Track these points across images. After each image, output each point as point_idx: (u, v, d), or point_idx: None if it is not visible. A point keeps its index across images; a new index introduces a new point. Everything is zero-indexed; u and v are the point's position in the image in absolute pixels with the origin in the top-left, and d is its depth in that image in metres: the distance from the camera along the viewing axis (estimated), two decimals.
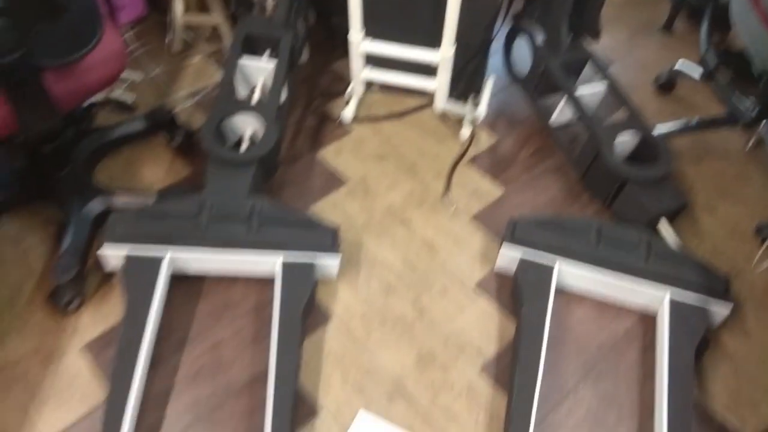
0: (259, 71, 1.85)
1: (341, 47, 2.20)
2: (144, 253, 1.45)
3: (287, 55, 1.81)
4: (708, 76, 1.87)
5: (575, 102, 1.83)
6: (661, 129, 1.94)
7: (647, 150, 1.77)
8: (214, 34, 2.28)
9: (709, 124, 1.99)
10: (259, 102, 1.72)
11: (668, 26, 2.48)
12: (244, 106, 1.69)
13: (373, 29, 1.69)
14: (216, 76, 2.15)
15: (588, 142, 1.79)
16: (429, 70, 1.73)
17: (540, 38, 1.92)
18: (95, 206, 1.58)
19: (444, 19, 1.47)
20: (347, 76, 2.19)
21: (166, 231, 1.48)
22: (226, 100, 1.72)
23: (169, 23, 2.21)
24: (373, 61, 1.81)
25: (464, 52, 1.89)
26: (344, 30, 2.20)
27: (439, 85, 1.58)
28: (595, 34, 1.94)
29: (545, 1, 1.87)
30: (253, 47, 1.88)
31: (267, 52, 1.89)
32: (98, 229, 1.56)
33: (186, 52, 2.24)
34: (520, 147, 1.99)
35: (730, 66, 1.85)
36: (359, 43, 1.53)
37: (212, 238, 1.48)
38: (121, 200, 1.61)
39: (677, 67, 2.16)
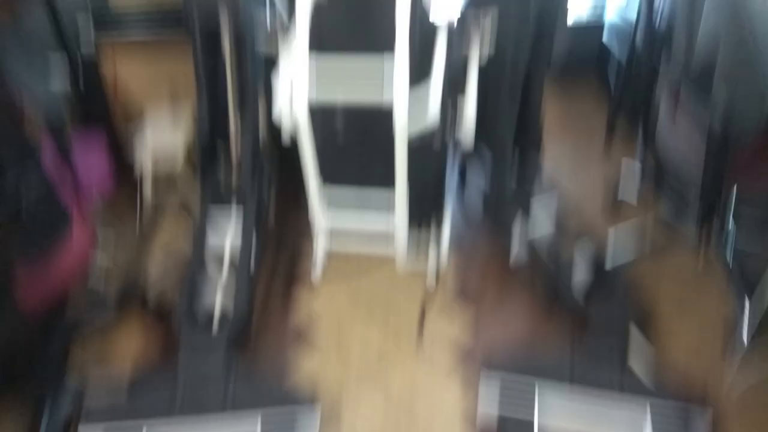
0: (227, 219, 1.94)
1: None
2: (120, 430, 1.43)
3: (253, 220, 1.90)
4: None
5: (532, 225, 1.93)
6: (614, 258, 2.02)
7: (603, 278, 1.86)
8: (184, 209, 2.38)
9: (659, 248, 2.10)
10: (229, 274, 1.79)
11: (609, 134, 2.62)
12: (213, 283, 1.76)
13: (330, 176, 1.81)
14: (185, 251, 2.21)
15: (548, 280, 1.88)
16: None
17: (489, 162, 2.06)
18: (69, 393, 1.59)
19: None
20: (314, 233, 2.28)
21: (141, 406, 1.47)
22: (195, 279, 1.78)
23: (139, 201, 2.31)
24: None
25: (419, 190, 2.00)
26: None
27: (398, 249, 1.68)
28: (537, 147, 2.08)
29: (491, 126, 2.00)
30: (219, 200, 1.99)
31: (233, 207, 1.98)
32: (73, 412, 1.54)
33: (154, 229, 2.32)
34: (485, 281, 2.04)
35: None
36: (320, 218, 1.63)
37: (188, 408, 1.48)
38: (95, 382, 1.61)
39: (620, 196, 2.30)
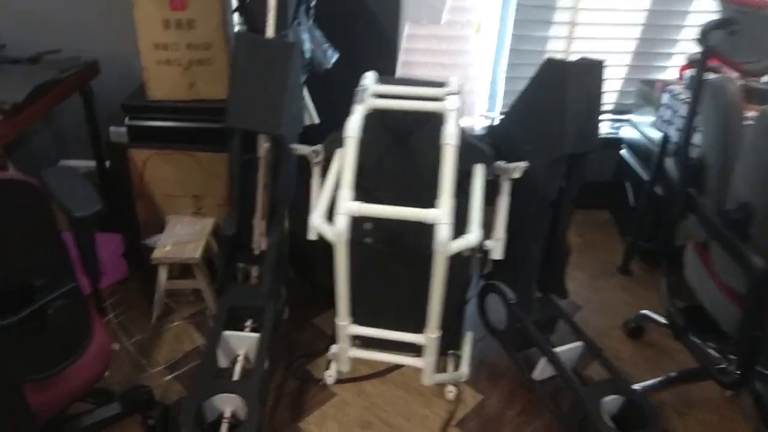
0: (241, 343, 1.86)
1: (323, 300, 2.27)
2: None
3: (270, 329, 1.83)
4: (677, 335, 1.95)
5: (555, 363, 1.87)
6: (643, 385, 1.98)
7: (633, 410, 1.78)
8: (197, 296, 2.32)
9: (689, 377, 2.03)
10: (241, 380, 1.71)
11: (625, 268, 2.65)
12: (225, 386, 1.67)
13: (359, 314, 1.77)
14: (196, 340, 2.15)
15: (574, 406, 1.80)
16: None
17: (511, 296, 2.03)
18: None
19: (425, 301, 1.56)
20: (328, 330, 2.22)
21: None
22: (206, 381, 1.69)
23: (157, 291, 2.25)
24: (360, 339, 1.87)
25: (443, 315, 1.97)
26: (325, 283, 2.29)
27: (426, 364, 1.61)
28: (562, 293, 2.05)
29: (514, 264, 2.00)
30: (235, 317, 1.92)
31: (249, 322, 1.92)
32: None
33: (166, 317, 2.26)
34: (506, 405, 1.98)
35: (698, 324, 1.95)
36: (346, 326, 1.58)
37: None
38: None
39: (645, 312, 2.27)
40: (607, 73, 1.74)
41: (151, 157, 2.23)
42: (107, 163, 2.60)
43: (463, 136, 1.64)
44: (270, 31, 1.74)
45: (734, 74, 2.09)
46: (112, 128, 2.23)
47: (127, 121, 2.18)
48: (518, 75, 2.82)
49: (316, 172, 1.91)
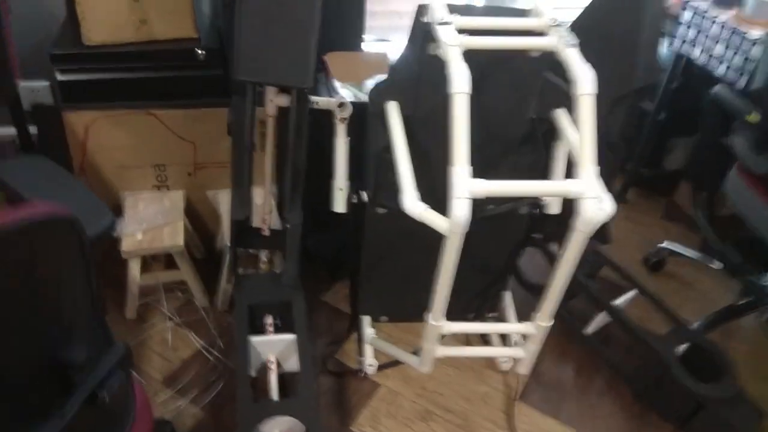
0: (272, 347, 1.51)
1: (321, 272, 1.96)
2: None
3: (305, 328, 1.50)
4: (733, 272, 1.87)
5: (617, 317, 1.73)
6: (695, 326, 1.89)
7: (699, 354, 1.69)
8: (179, 287, 1.89)
9: (734, 314, 1.98)
10: (293, 399, 1.39)
11: (622, 196, 2.55)
12: (275, 408, 1.34)
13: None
14: (191, 343, 1.75)
15: (647, 360, 1.67)
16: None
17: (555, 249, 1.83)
18: None
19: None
20: (344, 309, 1.91)
21: None
22: (250, 406, 1.35)
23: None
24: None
25: (488, 275, 1.74)
26: (320, 252, 1.95)
27: (529, 354, 1.38)
28: (606, 239, 1.89)
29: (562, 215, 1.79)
30: (252, 314, 1.56)
31: (270, 319, 1.57)
32: None
33: (147, 320, 1.82)
34: (562, 366, 1.82)
35: (743, 252, 1.87)
36: (440, 326, 1.28)
37: None
38: None
39: (665, 245, 2.18)
40: None
41: (96, 121, 1.70)
42: (33, 131, 1.98)
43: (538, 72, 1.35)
44: None
45: None
46: (24, 84, 1.67)
47: (58, 76, 1.63)
48: None
49: (340, 131, 1.53)
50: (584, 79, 1.07)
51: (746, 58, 1.81)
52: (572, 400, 1.73)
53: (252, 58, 1.30)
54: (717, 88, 1.77)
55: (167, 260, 1.84)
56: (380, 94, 1.35)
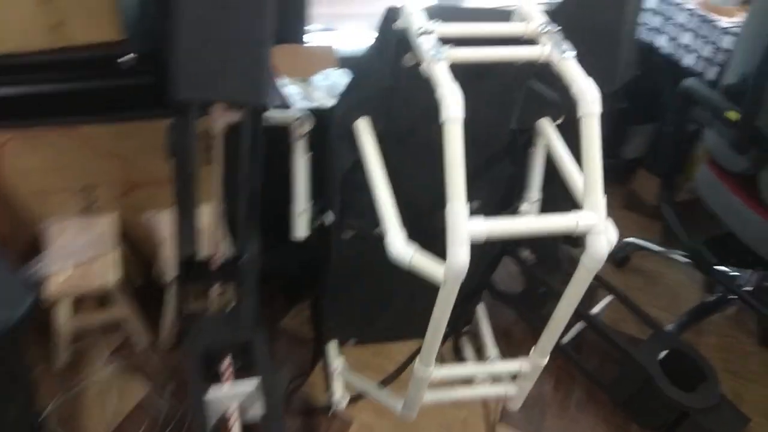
0: (232, 397, 1.34)
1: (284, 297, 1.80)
2: None
3: (270, 371, 1.33)
4: (706, 270, 1.82)
5: (596, 326, 1.65)
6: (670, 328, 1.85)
7: (677, 358, 1.64)
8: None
9: (709, 310, 1.95)
10: None
11: None
12: None
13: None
14: (135, 391, 1.55)
15: (628, 370, 1.60)
16: None
17: (529, 258, 1.73)
18: None
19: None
20: (306, 334, 1.75)
21: None
22: None
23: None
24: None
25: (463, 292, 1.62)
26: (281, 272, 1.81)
27: (522, 391, 1.27)
28: (578, 243, 1.80)
29: None
30: (208, 360, 1.37)
31: (227, 361, 1.39)
32: None
33: (79, 367, 1.59)
34: (540, 381, 1.72)
35: (715, 250, 1.83)
36: (429, 371, 1.13)
37: None
38: None
39: (630, 240, 2.13)
40: None
41: (8, 143, 1.44)
42: None
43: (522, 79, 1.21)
44: None
45: None
46: None
47: None
48: None
49: (299, 148, 1.35)
50: (589, 97, 0.94)
51: (717, 48, 1.74)
52: (553, 416, 1.65)
53: (194, 73, 1.10)
54: (690, 82, 1.69)
55: (102, 296, 1.62)
56: (349, 110, 1.18)
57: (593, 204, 0.95)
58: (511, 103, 1.23)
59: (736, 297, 1.89)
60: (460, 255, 0.89)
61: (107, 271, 1.49)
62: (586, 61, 1.10)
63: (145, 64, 1.48)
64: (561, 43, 1.01)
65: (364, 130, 1.17)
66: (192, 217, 1.28)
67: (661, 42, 1.92)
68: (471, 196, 0.90)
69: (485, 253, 1.56)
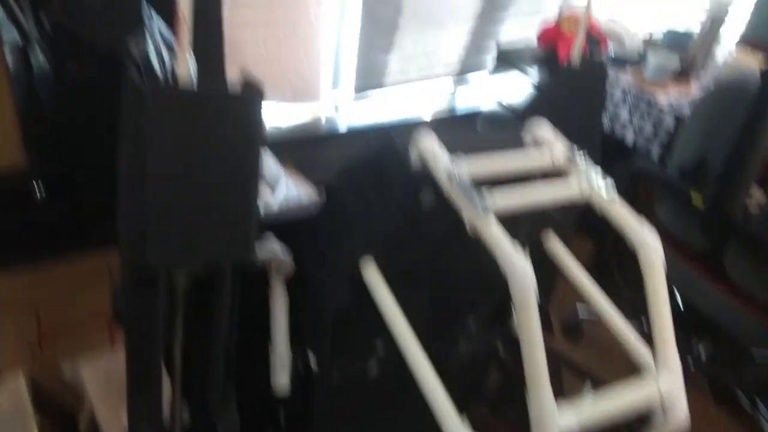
0: None
1: None
2: None
3: None
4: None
5: None
6: None
7: None
8: None
9: None
10: None
11: None
12: None
13: None
14: None
15: None
16: None
17: None
18: None
19: None
20: None
21: None
22: None
23: None
24: None
25: None
26: None
27: None
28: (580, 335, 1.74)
29: None
30: None
31: None
32: None
33: None
34: None
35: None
36: None
37: None
38: None
39: (580, 314, 2.09)
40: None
41: None
42: None
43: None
44: (184, 71, 0.85)
45: None
46: None
47: None
48: (372, 46, 2.22)
49: (278, 289, 1.14)
50: (651, 246, 0.85)
51: (658, 126, 1.76)
52: None
53: (168, 234, 0.86)
54: (641, 161, 1.69)
55: None
56: (350, 251, 0.99)
57: (668, 367, 0.84)
58: (520, 227, 1.12)
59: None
60: None
61: None
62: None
63: (55, 191, 1.20)
64: (595, 175, 0.92)
65: (371, 271, 1.00)
66: (153, 399, 1.01)
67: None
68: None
69: None
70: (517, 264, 0.75)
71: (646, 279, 0.86)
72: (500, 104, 1.74)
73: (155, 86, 0.86)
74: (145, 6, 1.02)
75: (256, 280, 1.16)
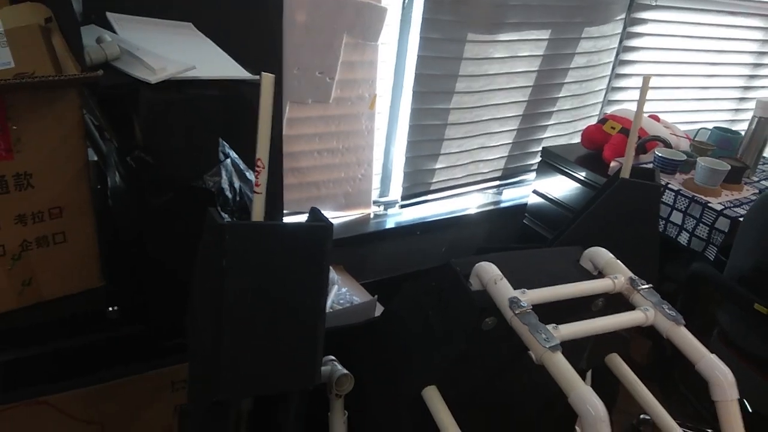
0: None
1: None
2: None
3: None
4: None
5: None
6: None
7: None
8: None
9: None
10: None
11: None
12: None
13: None
14: None
15: None
16: None
17: None
18: None
19: None
20: None
21: None
22: None
23: None
24: None
25: None
26: None
27: None
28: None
29: None
30: None
31: None
32: None
33: None
34: None
35: None
36: None
37: None
38: None
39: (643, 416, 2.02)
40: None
41: None
42: None
43: None
44: (259, 209, 0.92)
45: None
46: None
47: None
48: (419, 153, 2.32)
49: (337, 407, 1.15)
50: (726, 381, 0.83)
51: (711, 229, 1.75)
52: None
53: (241, 367, 0.90)
54: (700, 266, 1.67)
55: None
56: (411, 380, 1.01)
57: None
58: (583, 349, 1.12)
59: None
60: None
61: None
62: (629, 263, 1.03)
63: (127, 313, 1.26)
64: (662, 303, 0.92)
65: (435, 400, 1.00)
66: None
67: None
68: None
69: None
70: (589, 402, 0.75)
71: (720, 413, 0.84)
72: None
73: (233, 222, 0.92)
74: (222, 143, 1.11)
75: (315, 396, 1.17)
